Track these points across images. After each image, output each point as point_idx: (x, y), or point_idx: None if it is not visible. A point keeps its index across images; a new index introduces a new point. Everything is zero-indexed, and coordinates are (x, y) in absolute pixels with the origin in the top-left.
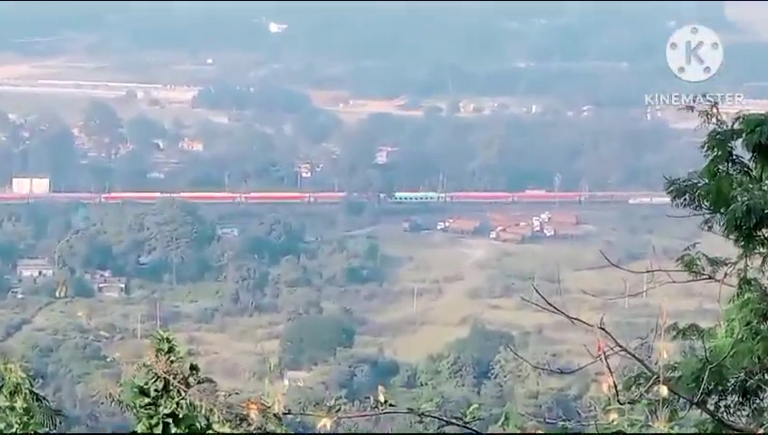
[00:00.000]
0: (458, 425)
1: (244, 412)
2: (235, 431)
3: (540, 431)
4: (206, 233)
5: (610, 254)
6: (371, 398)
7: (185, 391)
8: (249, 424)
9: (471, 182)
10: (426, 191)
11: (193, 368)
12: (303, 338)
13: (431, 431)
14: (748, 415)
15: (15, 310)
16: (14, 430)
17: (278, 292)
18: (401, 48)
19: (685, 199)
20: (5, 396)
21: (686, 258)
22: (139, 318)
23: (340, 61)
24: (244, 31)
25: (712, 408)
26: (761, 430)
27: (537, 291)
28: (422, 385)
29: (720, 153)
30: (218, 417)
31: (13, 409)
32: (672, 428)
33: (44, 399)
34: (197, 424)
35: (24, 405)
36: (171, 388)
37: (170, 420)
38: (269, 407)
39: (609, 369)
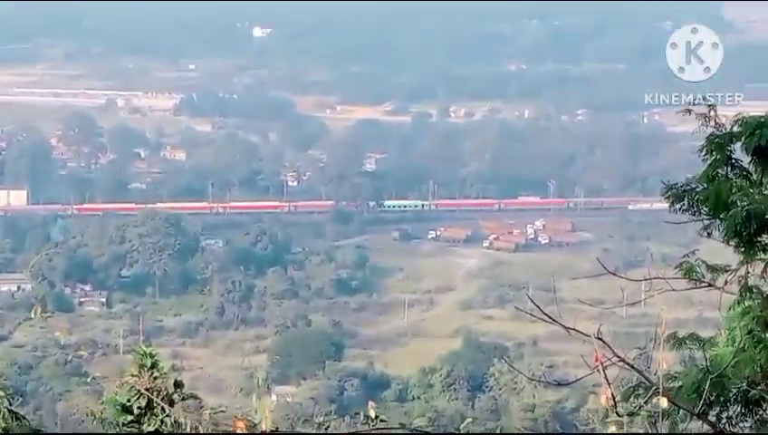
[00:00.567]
0: None
1: (231, 430)
2: None
3: None
4: (189, 244)
5: (607, 261)
6: (362, 413)
7: (169, 409)
8: None
9: (462, 189)
10: (416, 199)
11: (177, 384)
12: (291, 352)
13: None
14: (751, 426)
15: None
16: None
17: (265, 304)
18: (389, 52)
19: (683, 205)
20: None
21: (686, 265)
22: (121, 333)
23: (326, 66)
24: (227, 36)
25: (713, 419)
26: None
27: (532, 300)
28: (414, 399)
29: (719, 157)
30: None
31: None
32: None
33: (24, 418)
34: None
35: (3, 425)
36: (155, 405)
37: None
38: (256, 424)
39: (608, 380)
